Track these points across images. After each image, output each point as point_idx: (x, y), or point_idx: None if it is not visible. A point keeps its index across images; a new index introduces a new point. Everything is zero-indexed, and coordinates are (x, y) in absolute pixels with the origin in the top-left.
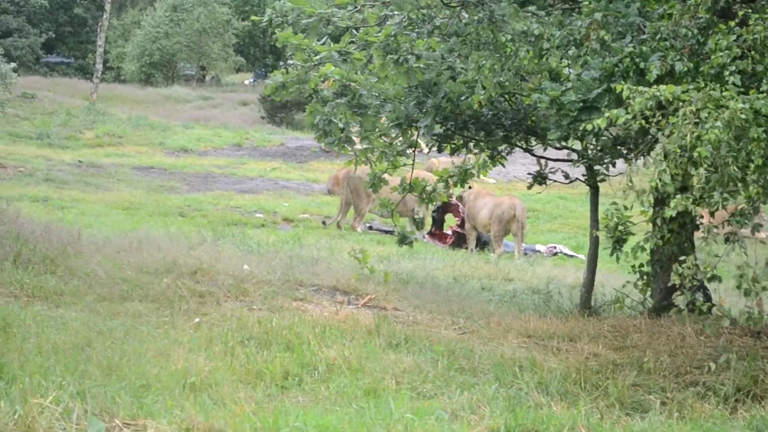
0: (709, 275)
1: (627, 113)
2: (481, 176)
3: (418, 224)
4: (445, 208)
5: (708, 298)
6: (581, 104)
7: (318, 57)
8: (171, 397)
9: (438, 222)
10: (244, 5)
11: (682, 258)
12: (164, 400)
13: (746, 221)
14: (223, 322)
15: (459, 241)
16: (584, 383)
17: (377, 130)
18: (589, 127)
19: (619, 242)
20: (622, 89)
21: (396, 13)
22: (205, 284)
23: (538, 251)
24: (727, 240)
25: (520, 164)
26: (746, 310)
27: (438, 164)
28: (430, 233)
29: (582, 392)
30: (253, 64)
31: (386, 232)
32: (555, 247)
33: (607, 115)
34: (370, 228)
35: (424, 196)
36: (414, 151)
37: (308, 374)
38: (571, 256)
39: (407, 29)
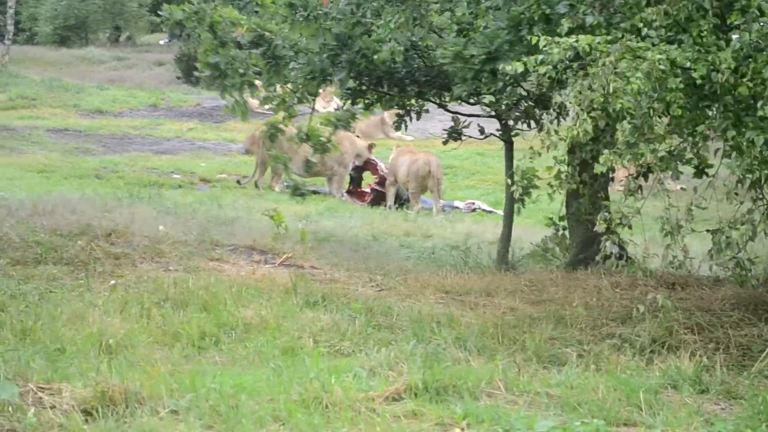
0: (631, 219)
1: (544, 63)
2: (399, 133)
3: (309, 167)
4: (363, 166)
5: (623, 252)
6: (485, 56)
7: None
8: (86, 360)
9: (356, 180)
10: None
11: (606, 203)
12: (79, 363)
13: (666, 169)
14: (138, 284)
15: (378, 198)
16: (502, 338)
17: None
18: (508, 69)
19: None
20: (538, 40)
21: None
22: (120, 246)
23: (457, 207)
24: (632, 193)
25: (437, 121)
26: (670, 254)
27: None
28: (349, 191)
29: (500, 347)
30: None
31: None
32: (473, 203)
33: (524, 60)
34: (288, 187)
35: (318, 146)
36: (314, 100)
37: (225, 334)
38: (490, 212)
39: None
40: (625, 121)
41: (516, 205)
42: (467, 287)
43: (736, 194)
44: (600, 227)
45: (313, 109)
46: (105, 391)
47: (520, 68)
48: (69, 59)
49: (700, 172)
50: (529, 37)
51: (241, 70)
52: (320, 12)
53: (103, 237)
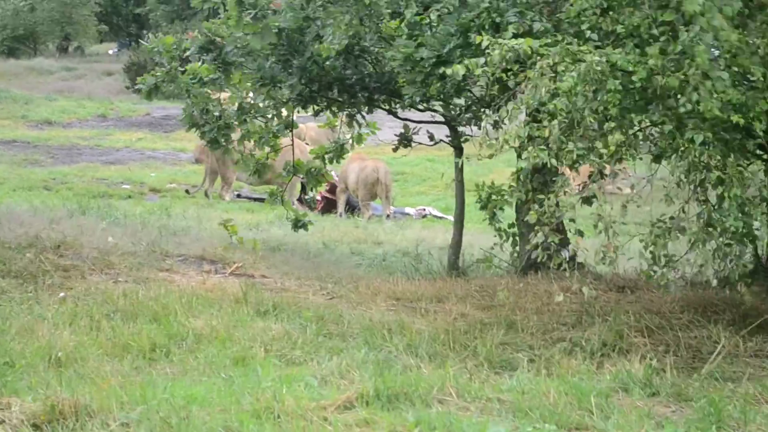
0: (566, 213)
1: (485, 66)
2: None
3: (311, 204)
4: None
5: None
6: (435, 59)
7: (186, 47)
8: (36, 374)
9: (305, 188)
10: None
11: (540, 197)
12: (29, 377)
13: (606, 177)
14: (88, 296)
15: (329, 206)
16: (453, 344)
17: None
18: (449, 72)
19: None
20: (481, 41)
21: None
22: (69, 258)
23: (408, 214)
24: (586, 200)
25: (387, 128)
26: (601, 249)
27: (306, 130)
28: (299, 199)
29: (451, 353)
30: (117, 34)
31: (255, 199)
32: (424, 210)
33: (465, 62)
34: (239, 196)
35: (310, 177)
36: (291, 130)
37: (176, 345)
38: (441, 217)
39: None
40: (555, 120)
41: (491, 222)
42: (418, 294)
43: (669, 197)
44: (531, 219)
45: (293, 139)
46: (55, 405)
47: (462, 70)
48: (17, 70)
49: (657, 158)
50: (476, 42)
51: (216, 113)
52: (268, 11)
53: (52, 249)
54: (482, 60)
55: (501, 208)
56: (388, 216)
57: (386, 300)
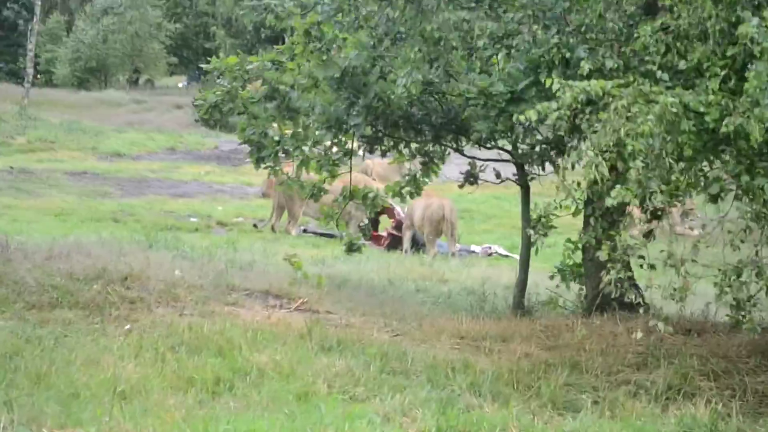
0: (637, 251)
1: (557, 108)
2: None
3: (365, 232)
4: (379, 210)
5: (640, 297)
6: (509, 95)
7: (250, 67)
8: (100, 406)
9: (373, 223)
10: (176, 7)
11: (612, 233)
12: (93, 408)
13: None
14: (153, 329)
15: (394, 242)
16: (516, 384)
17: (309, 139)
18: (522, 118)
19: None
20: (552, 82)
21: (325, 1)
22: (135, 290)
23: (474, 252)
24: (647, 235)
25: (454, 165)
26: (673, 287)
27: (372, 165)
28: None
29: (514, 392)
30: (186, 67)
31: (321, 234)
32: (490, 248)
33: (537, 107)
34: (305, 231)
35: (367, 203)
36: (351, 158)
37: (240, 379)
38: (506, 256)
39: (333, 17)
40: (638, 160)
41: (534, 247)
42: (483, 332)
43: (742, 241)
44: (603, 255)
45: (351, 165)
46: None
47: (534, 116)
48: (88, 102)
49: (714, 197)
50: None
51: (276, 138)
52: (334, 45)
53: (119, 281)
54: (554, 104)
55: (546, 234)
56: (453, 254)
57: (450, 338)
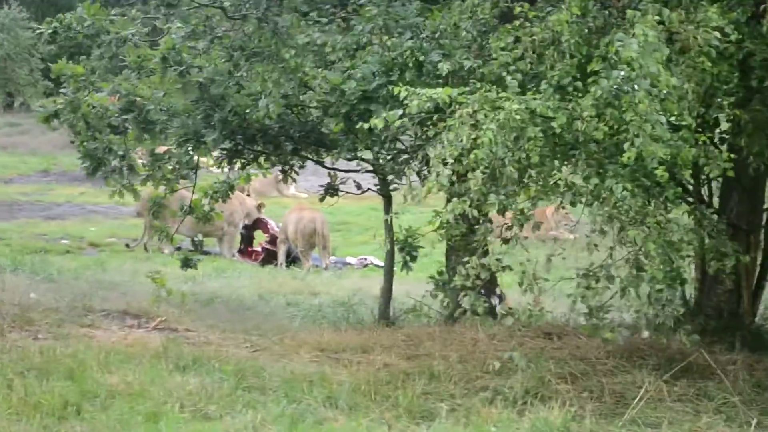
0: (495, 269)
1: (403, 116)
2: (293, 191)
3: (197, 246)
4: (253, 224)
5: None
6: (361, 93)
7: (93, 76)
8: None
9: (247, 239)
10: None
11: (466, 259)
12: None
13: (525, 220)
14: (3, 354)
15: (270, 257)
16: (374, 395)
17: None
18: (372, 122)
19: (410, 256)
20: (399, 91)
21: (179, 25)
22: None
23: (349, 263)
24: (506, 242)
25: (324, 177)
26: (527, 307)
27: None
28: (240, 251)
29: (372, 404)
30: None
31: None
32: (366, 259)
33: (384, 115)
34: (179, 249)
35: (200, 216)
36: (196, 173)
37: (88, 402)
38: (382, 266)
39: (189, 41)
40: (478, 171)
41: (403, 268)
42: (343, 344)
43: (596, 245)
44: (457, 282)
45: (195, 181)
46: None
47: (381, 124)
48: None
49: (572, 203)
50: (396, 85)
51: (120, 152)
52: (194, 67)
53: None
54: (400, 111)
55: (415, 255)
56: (326, 266)
57: (310, 352)
